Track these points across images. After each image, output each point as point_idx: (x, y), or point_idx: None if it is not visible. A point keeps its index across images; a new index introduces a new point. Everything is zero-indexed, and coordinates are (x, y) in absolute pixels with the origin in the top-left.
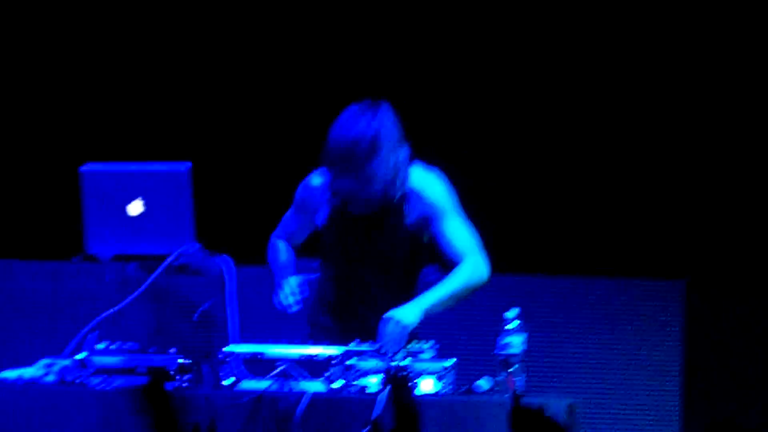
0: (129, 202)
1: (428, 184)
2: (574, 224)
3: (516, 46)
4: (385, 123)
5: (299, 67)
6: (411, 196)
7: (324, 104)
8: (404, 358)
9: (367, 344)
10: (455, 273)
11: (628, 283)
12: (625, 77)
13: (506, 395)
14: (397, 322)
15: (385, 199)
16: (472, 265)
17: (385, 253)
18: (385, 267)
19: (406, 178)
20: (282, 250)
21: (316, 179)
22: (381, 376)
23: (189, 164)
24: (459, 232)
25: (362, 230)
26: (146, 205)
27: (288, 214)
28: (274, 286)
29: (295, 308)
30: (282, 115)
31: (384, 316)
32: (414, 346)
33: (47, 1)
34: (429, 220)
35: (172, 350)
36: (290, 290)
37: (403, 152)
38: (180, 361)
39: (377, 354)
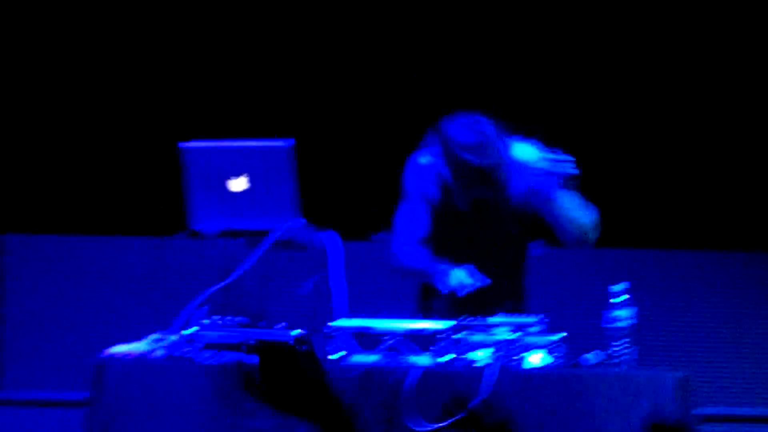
0: (232, 178)
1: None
2: (684, 197)
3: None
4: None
5: (399, 44)
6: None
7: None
8: (515, 331)
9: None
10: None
11: (737, 255)
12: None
13: (617, 368)
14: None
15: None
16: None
17: (495, 236)
18: (496, 248)
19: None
20: (420, 251)
21: (422, 160)
22: (490, 349)
23: (292, 140)
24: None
25: (473, 213)
26: (250, 180)
27: (404, 210)
28: (435, 277)
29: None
30: (383, 90)
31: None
32: (523, 319)
33: None
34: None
35: (280, 325)
36: (466, 272)
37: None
38: (291, 334)
39: (484, 327)
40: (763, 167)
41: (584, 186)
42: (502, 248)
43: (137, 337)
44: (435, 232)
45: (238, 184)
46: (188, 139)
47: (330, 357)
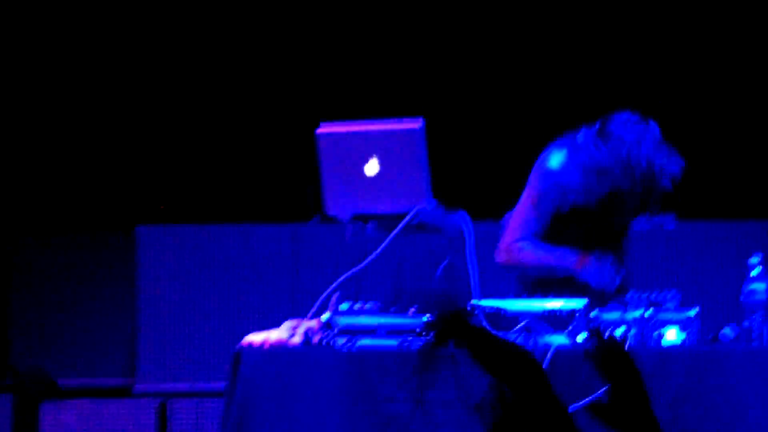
0: (365, 161)
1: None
2: None
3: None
4: None
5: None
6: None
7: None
8: (648, 308)
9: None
10: None
11: None
12: None
13: (755, 343)
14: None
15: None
16: None
17: (621, 235)
18: (617, 244)
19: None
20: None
21: (554, 162)
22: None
23: (422, 120)
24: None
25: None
26: (382, 164)
27: (523, 212)
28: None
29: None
30: (511, 72)
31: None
32: (657, 295)
33: None
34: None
35: (411, 309)
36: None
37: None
38: (424, 319)
39: (619, 305)
40: None
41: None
42: (620, 245)
43: (273, 325)
44: (556, 232)
45: (371, 168)
46: (320, 123)
47: None
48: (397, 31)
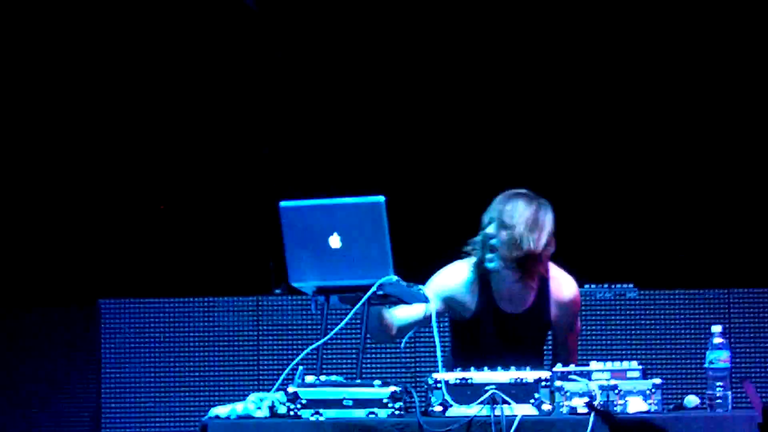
0: (328, 234)
1: (568, 284)
2: None
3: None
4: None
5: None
6: (553, 293)
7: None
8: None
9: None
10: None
11: None
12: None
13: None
14: None
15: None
16: None
17: (529, 348)
18: (525, 357)
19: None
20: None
21: (459, 274)
22: (595, 396)
23: (382, 196)
24: (573, 342)
25: (514, 325)
26: (344, 236)
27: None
28: None
29: None
30: (465, 148)
31: None
32: (620, 366)
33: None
34: (562, 314)
35: (377, 383)
36: None
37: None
38: (391, 389)
39: (583, 375)
40: None
41: (674, 228)
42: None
43: (238, 398)
44: (473, 336)
45: (334, 241)
46: (281, 198)
47: (432, 409)
48: (358, 110)
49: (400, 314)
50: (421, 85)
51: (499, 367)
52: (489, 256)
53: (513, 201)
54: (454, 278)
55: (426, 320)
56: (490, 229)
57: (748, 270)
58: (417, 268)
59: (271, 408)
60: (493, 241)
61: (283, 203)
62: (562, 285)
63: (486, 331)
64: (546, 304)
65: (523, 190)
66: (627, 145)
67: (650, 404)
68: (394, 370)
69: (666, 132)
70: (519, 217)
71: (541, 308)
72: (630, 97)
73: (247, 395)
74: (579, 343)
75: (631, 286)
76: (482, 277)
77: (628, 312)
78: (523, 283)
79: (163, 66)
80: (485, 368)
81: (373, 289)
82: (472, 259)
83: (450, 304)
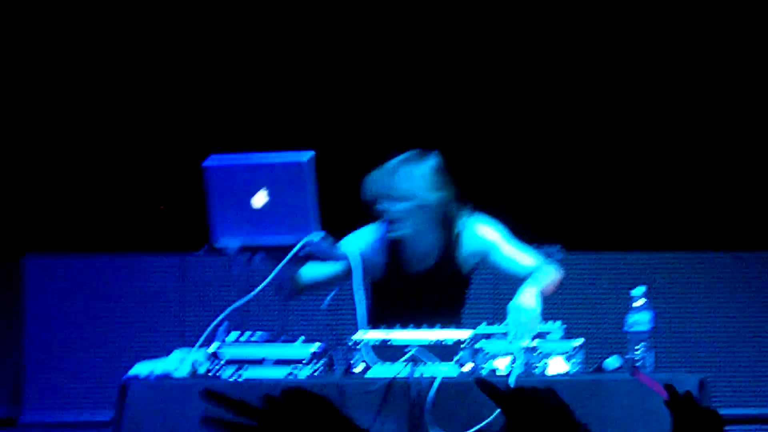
0: (253, 193)
1: (477, 224)
2: (701, 199)
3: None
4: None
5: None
6: (464, 240)
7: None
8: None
9: (495, 326)
10: (541, 272)
11: (753, 255)
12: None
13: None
14: (527, 310)
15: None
16: (550, 267)
17: (441, 303)
18: (439, 313)
19: (456, 225)
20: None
21: (369, 235)
22: (511, 357)
23: (311, 153)
24: (520, 253)
25: (420, 283)
26: (270, 195)
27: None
28: None
29: None
30: (394, 105)
31: (511, 306)
32: (542, 327)
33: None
34: (486, 255)
35: (300, 339)
36: None
37: (446, 197)
38: (312, 349)
39: (505, 336)
40: None
41: (601, 190)
42: (444, 311)
43: (161, 356)
44: (384, 296)
45: (259, 200)
46: (209, 155)
47: (353, 369)
48: (290, 64)
49: (312, 271)
50: (353, 43)
51: (421, 327)
52: (391, 227)
53: (390, 172)
54: (364, 239)
55: (343, 279)
56: (382, 204)
57: (671, 232)
58: (344, 227)
59: (193, 366)
60: (389, 214)
61: (206, 162)
62: (474, 231)
63: (394, 292)
64: (454, 260)
65: (395, 157)
66: (552, 104)
67: (571, 365)
68: (316, 331)
69: (594, 89)
70: (400, 185)
71: (448, 264)
72: (543, 53)
73: (170, 354)
74: (501, 303)
75: (557, 247)
76: (391, 238)
77: None
78: (430, 240)
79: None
80: (408, 328)
81: (299, 246)
82: (381, 222)
83: (363, 264)
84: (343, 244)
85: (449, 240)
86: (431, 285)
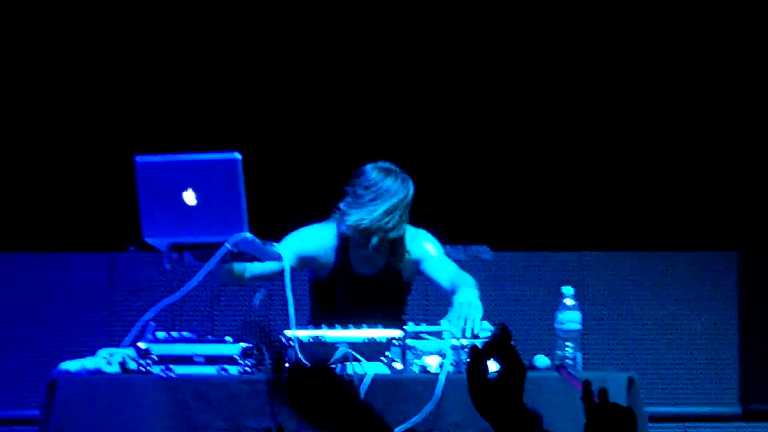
0: (182, 191)
1: (418, 237)
2: (626, 199)
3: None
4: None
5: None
6: (406, 250)
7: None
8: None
9: (425, 325)
10: (467, 283)
11: (682, 255)
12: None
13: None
14: (470, 304)
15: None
16: (473, 285)
17: (385, 306)
18: (382, 315)
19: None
20: None
21: (318, 235)
22: (446, 355)
23: (238, 154)
24: (450, 265)
25: (366, 286)
26: (199, 193)
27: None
28: None
29: None
30: (329, 106)
31: (456, 301)
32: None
33: None
34: (422, 265)
35: (228, 338)
36: None
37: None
38: (242, 346)
39: (435, 335)
40: (707, 165)
41: (527, 189)
42: (388, 314)
43: (89, 354)
44: (333, 295)
45: (189, 198)
46: (138, 153)
47: (284, 366)
48: (217, 62)
49: (252, 265)
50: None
51: (350, 326)
52: (348, 224)
53: (371, 176)
54: (312, 238)
55: (278, 275)
56: (352, 203)
57: (600, 232)
58: (274, 226)
59: (122, 364)
60: (353, 214)
61: (138, 158)
62: (414, 243)
63: (340, 293)
64: (396, 267)
65: (391, 165)
66: (479, 103)
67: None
68: (247, 328)
69: (517, 88)
70: (378, 193)
71: (395, 270)
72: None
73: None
74: (429, 303)
75: (485, 247)
76: (340, 238)
77: (481, 273)
78: (379, 247)
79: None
80: (337, 326)
81: (225, 246)
82: (332, 222)
83: (307, 263)
84: (282, 242)
85: (394, 249)
86: (376, 288)
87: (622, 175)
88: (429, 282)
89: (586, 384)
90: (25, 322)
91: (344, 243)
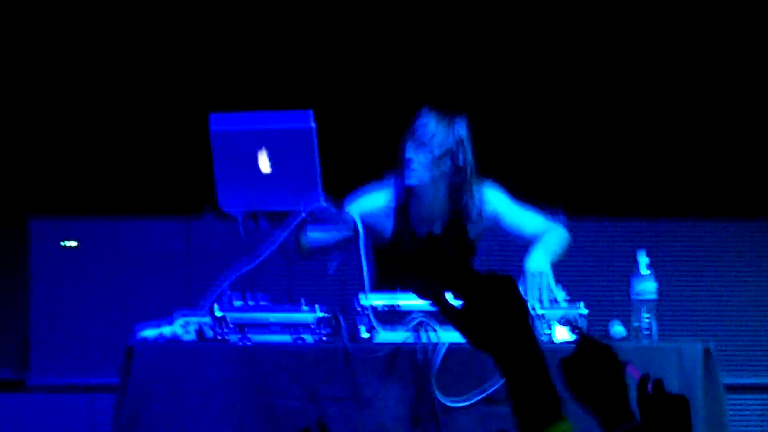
0: (258, 158)
1: (486, 191)
2: (699, 166)
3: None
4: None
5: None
6: (474, 206)
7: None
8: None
9: None
10: (551, 234)
11: (761, 223)
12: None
13: (643, 341)
14: (541, 273)
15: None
16: (559, 229)
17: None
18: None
19: (466, 192)
20: None
21: (375, 197)
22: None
23: (310, 112)
24: (528, 216)
25: (427, 248)
26: (274, 161)
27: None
28: None
29: None
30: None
31: (527, 271)
32: (549, 294)
33: None
34: (495, 220)
35: (302, 304)
36: None
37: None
38: (319, 314)
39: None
40: None
41: (602, 155)
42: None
43: (166, 320)
44: (384, 258)
45: (264, 166)
46: (211, 114)
47: (360, 335)
48: (290, 23)
49: (319, 235)
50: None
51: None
52: (408, 173)
53: (425, 119)
54: (370, 201)
55: (347, 243)
56: (409, 149)
57: (674, 200)
58: (346, 189)
59: (198, 331)
60: (413, 161)
61: (212, 126)
62: (483, 198)
63: (402, 256)
64: (461, 226)
65: (435, 108)
66: (558, 72)
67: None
68: (322, 295)
69: (596, 57)
70: (433, 135)
71: (456, 230)
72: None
73: (176, 319)
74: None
75: (559, 213)
76: (399, 200)
77: None
78: (442, 202)
79: None
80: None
81: (302, 216)
82: (387, 184)
83: (368, 227)
84: (349, 208)
85: (458, 206)
86: (438, 250)
87: (700, 141)
88: (509, 238)
89: (644, 377)
90: (103, 287)
91: (403, 204)
